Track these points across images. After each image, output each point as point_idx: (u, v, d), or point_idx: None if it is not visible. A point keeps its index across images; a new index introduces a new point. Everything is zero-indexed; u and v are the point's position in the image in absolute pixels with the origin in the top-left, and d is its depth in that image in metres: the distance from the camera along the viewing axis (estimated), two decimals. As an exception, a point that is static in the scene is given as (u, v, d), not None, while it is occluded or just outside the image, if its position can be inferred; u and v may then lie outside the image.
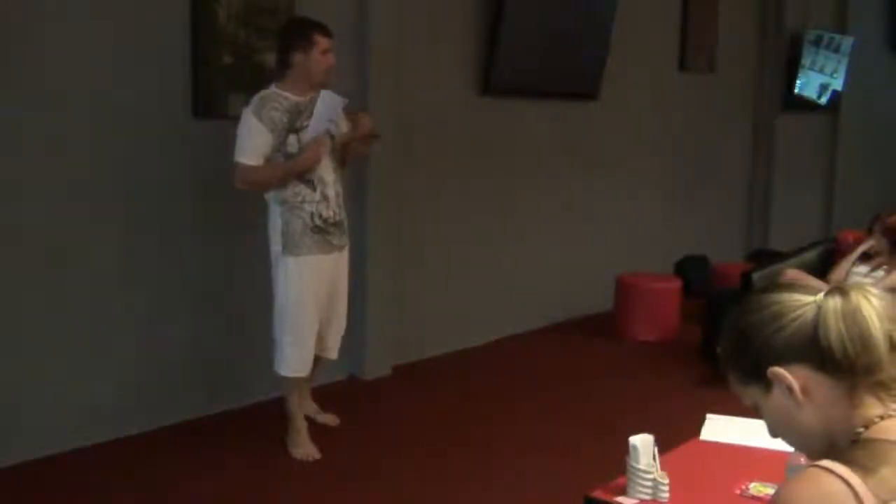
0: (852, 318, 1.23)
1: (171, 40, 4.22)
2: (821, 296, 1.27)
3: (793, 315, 1.27)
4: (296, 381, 4.13)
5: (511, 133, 6.04)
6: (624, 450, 2.52)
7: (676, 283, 6.50)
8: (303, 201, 3.99)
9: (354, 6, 4.93)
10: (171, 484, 3.81)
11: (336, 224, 4.10)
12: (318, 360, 4.29)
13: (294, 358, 4.06)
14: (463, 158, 5.72)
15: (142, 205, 4.21)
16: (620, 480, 2.55)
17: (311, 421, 4.42)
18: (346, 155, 4.23)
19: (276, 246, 4.03)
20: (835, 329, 1.23)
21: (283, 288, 4.03)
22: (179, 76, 4.26)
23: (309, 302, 4.04)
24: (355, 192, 5.07)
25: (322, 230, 4.04)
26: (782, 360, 1.26)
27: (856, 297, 1.24)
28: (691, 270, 7.21)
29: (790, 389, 1.26)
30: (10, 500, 3.60)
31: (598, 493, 2.55)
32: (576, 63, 6.24)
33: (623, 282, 6.35)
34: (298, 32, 4.02)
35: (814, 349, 1.24)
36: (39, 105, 3.84)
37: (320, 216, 4.03)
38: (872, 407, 1.24)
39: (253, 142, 3.92)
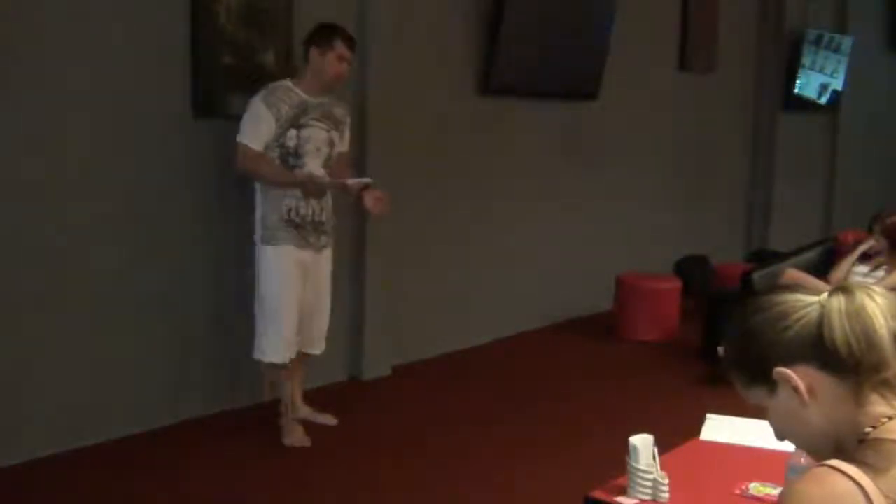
0: (857, 316, 1.23)
1: (171, 40, 4.22)
2: (824, 295, 1.27)
3: (797, 315, 1.26)
4: (283, 369, 4.17)
5: (511, 133, 6.04)
6: (624, 450, 2.51)
7: (676, 283, 6.50)
8: (283, 194, 4.08)
9: (354, 5, 4.92)
10: (171, 483, 3.81)
11: (314, 223, 4.16)
12: (304, 357, 4.34)
13: (276, 345, 4.12)
14: (462, 158, 5.71)
15: (141, 204, 4.20)
16: (620, 480, 2.54)
17: (308, 422, 4.42)
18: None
19: (256, 234, 4.16)
20: (839, 328, 1.23)
21: (264, 276, 4.14)
22: (179, 76, 4.26)
23: (289, 290, 4.12)
24: (355, 192, 5.07)
25: (298, 226, 4.11)
26: (787, 361, 1.26)
27: (860, 296, 1.24)
28: (691, 270, 7.21)
29: (796, 389, 1.26)
30: (10, 500, 3.60)
31: (598, 493, 2.55)
32: (576, 63, 6.23)
33: (623, 282, 6.35)
34: (323, 32, 4.16)
35: (819, 349, 1.24)
36: (39, 105, 3.84)
37: (297, 212, 4.10)
38: (879, 406, 1.24)
39: (257, 126, 4.04)
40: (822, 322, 1.24)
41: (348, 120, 4.35)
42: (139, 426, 4.24)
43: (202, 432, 4.31)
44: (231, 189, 4.39)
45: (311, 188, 4.08)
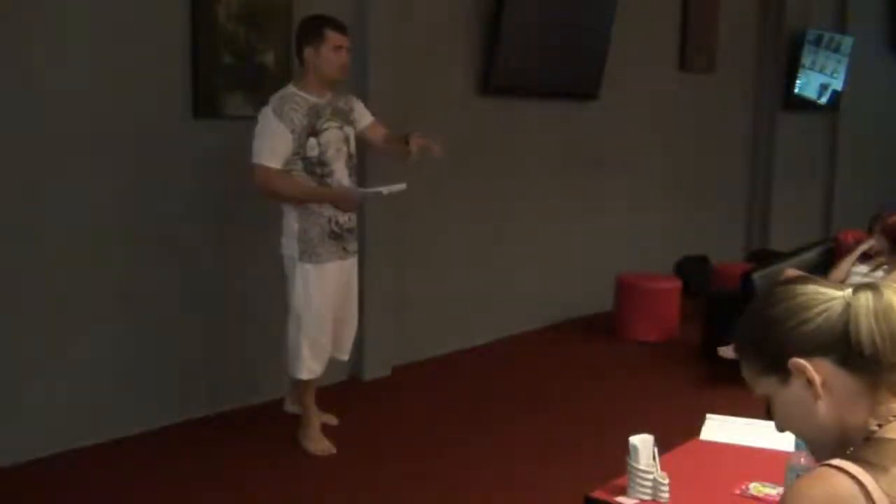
0: (884, 315, 1.22)
1: (171, 40, 4.22)
2: (849, 291, 1.26)
3: (819, 308, 1.25)
4: (311, 382, 4.14)
5: (511, 133, 6.04)
6: (624, 450, 2.51)
7: (676, 283, 6.50)
8: (321, 206, 3.95)
9: (354, 6, 4.92)
10: (171, 483, 3.81)
11: (350, 230, 4.10)
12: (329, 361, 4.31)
13: (310, 361, 4.06)
14: (462, 158, 5.71)
15: (141, 205, 4.20)
16: (620, 480, 2.55)
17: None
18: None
19: (291, 251, 3.98)
20: (866, 325, 1.22)
21: (301, 294, 3.99)
22: (179, 76, 4.25)
23: (327, 308, 4.04)
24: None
25: (338, 236, 4.02)
26: (804, 353, 1.25)
27: (888, 294, 1.23)
28: (691, 270, 7.22)
29: (811, 382, 1.25)
30: (10, 500, 3.60)
31: (598, 493, 2.55)
32: (576, 63, 6.23)
33: (623, 282, 6.35)
34: (310, 28, 3.97)
35: (840, 344, 1.23)
36: (39, 105, 3.84)
37: (337, 222, 4.00)
38: (891, 405, 1.23)
39: (273, 143, 3.84)
40: (847, 318, 1.23)
41: (354, 104, 4.20)
42: (139, 426, 4.24)
43: (202, 432, 4.32)
44: (231, 189, 4.39)
45: (347, 203, 3.98)
